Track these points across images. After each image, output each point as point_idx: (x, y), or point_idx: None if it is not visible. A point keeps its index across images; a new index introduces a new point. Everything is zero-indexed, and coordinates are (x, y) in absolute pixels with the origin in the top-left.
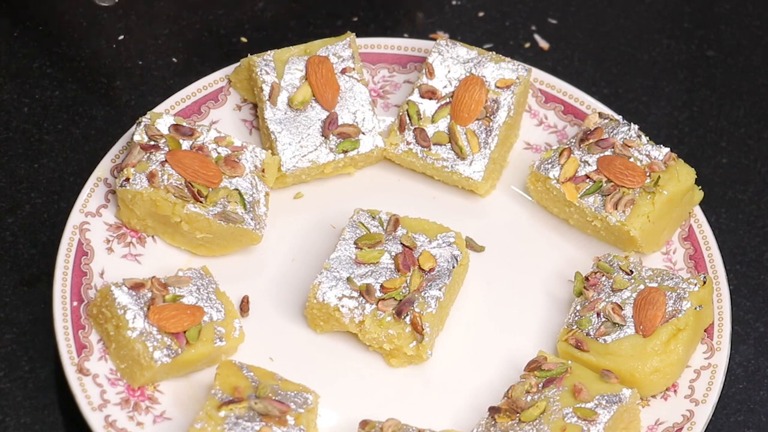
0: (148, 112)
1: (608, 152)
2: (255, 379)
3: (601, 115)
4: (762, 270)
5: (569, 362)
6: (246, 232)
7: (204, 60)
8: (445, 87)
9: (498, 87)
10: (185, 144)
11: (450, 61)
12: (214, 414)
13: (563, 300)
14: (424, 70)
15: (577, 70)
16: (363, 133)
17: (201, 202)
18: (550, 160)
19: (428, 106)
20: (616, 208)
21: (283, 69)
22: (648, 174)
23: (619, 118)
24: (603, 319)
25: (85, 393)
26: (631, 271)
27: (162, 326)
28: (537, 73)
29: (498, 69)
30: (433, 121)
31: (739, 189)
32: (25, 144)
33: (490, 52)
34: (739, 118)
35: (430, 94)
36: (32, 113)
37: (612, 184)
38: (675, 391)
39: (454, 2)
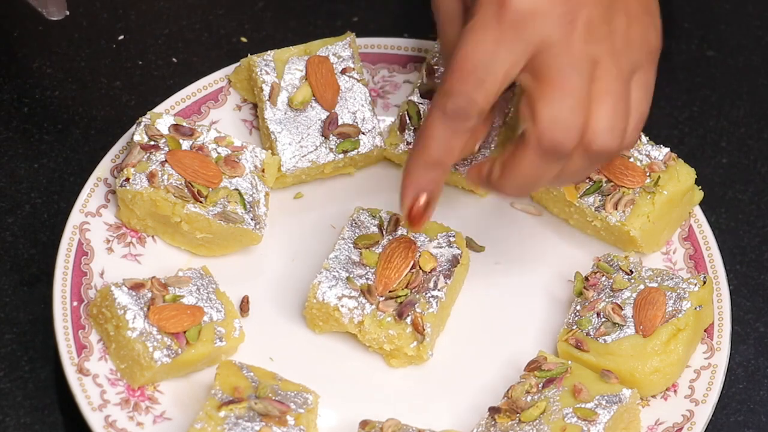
0: (148, 112)
1: None
2: (255, 379)
3: None
4: (762, 270)
5: (569, 362)
6: (246, 232)
7: (204, 60)
8: None
9: None
10: (185, 144)
11: None
12: (214, 414)
13: (563, 300)
14: (424, 70)
15: None
16: (363, 133)
17: (201, 202)
18: None
19: (428, 107)
20: (616, 208)
21: (283, 69)
22: (648, 174)
23: None
24: (603, 319)
25: (85, 393)
26: (631, 271)
27: (162, 326)
28: None
29: None
30: None
31: (739, 189)
32: (25, 144)
33: None
34: (739, 118)
35: (430, 94)
36: (32, 113)
37: (612, 184)
38: (675, 391)
39: None
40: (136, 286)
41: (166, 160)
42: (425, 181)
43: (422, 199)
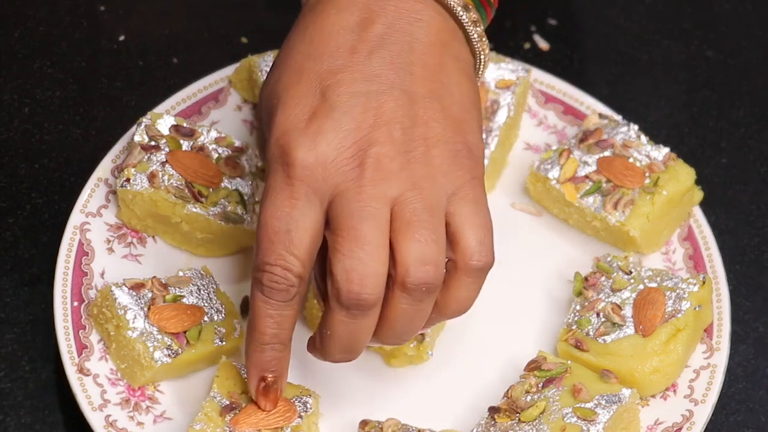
0: (149, 113)
1: (608, 152)
2: None
3: (600, 115)
4: (762, 270)
5: (569, 362)
6: (246, 232)
7: (204, 60)
8: None
9: (498, 87)
10: (186, 144)
11: None
12: (213, 415)
13: (563, 300)
14: None
15: (577, 70)
16: None
17: (201, 202)
18: (549, 161)
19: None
20: (616, 209)
21: None
22: (647, 174)
23: (619, 118)
24: (603, 319)
25: (86, 393)
26: (631, 272)
27: (162, 326)
28: (537, 74)
29: (498, 69)
30: None
31: (739, 189)
32: (26, 144)
33: (490, 53)
34: (739, 118)
35: None
36: (33, 114)
37: (611, 184)
38: (674, 391)
39: None
40: (137, 286)
41: (166, 161)
42: (266, 361)
43: (269, 378)
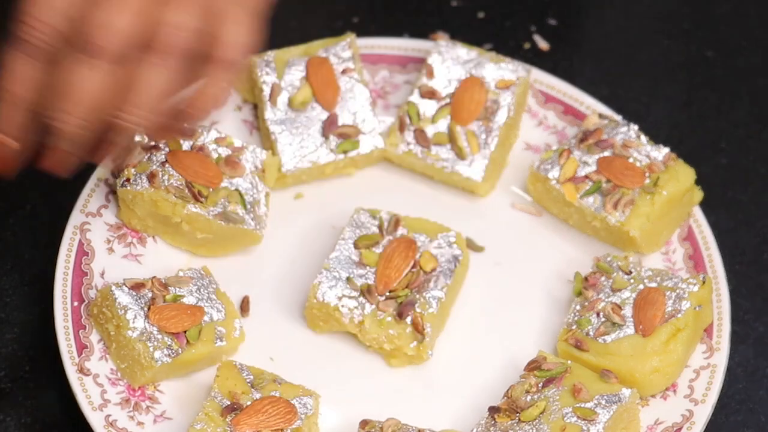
0: None
1: (608, 153)
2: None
3: (600, 115)
4: (761, 270)
5: (569, 362)
6: (246, 232)
7: None
8: (445, 87)
9: (498, 87)
10: (186, 144)
11: (450, 61)
12: (214, 415)
13: (563, 300)
14: (424, 71)
15: (577, 71)
16: (363, 134)
17: (201, 202)
18: (549, 161)
19: (428, 107)
20: (616, 209)
21: (283, 69)
22: (647, 174)
23: (619, 118)
24: (603, 319)
25: (86, 393)
26: (631, 271)
27: (162, 326)
28: (537, 74)
29: (498, 69)
30: (433, 122)
31: (739, 189)
32: None
33: (490, 53)
34: (739, 118)
35: (430, 94)
36: None
37: (611, 184)
38: (674, 390)
39: (454, 3)
40: (137, 286)
41: (166, 161)
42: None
43: None
